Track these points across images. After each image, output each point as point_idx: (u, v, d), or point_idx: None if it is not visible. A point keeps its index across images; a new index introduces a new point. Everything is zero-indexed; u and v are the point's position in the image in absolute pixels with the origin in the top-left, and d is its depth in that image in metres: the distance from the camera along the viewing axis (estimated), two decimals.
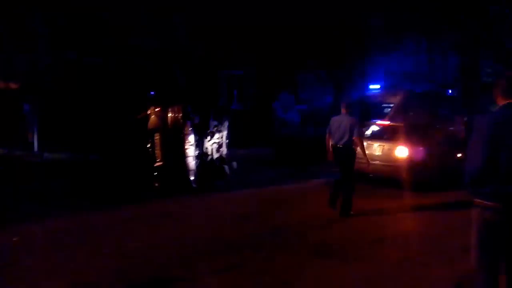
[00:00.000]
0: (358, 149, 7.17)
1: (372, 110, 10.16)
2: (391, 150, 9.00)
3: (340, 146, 7.04)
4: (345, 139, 6.98)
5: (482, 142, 2.97)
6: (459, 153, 9.13)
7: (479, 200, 3.07)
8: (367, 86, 11.68)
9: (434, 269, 4.82)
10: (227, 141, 10.25)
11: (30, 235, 6.04)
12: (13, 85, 12.39)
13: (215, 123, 9.76)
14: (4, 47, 11.31)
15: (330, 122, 7.25)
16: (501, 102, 3.10)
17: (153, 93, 9.54)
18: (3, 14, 10.69)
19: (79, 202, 7.79)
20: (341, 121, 7.07)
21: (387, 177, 8.97)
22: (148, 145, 9.09)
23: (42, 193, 8.20)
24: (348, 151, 7.05)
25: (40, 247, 5.57)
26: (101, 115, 10.51)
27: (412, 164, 8.71)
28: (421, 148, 9.02)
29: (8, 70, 11.85)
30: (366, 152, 8.00)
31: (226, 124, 10.16)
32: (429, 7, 15.17)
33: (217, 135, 9.88)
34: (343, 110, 7.19)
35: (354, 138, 6.97)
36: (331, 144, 7.21)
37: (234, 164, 10.39)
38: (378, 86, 11.13)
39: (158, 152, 9.02)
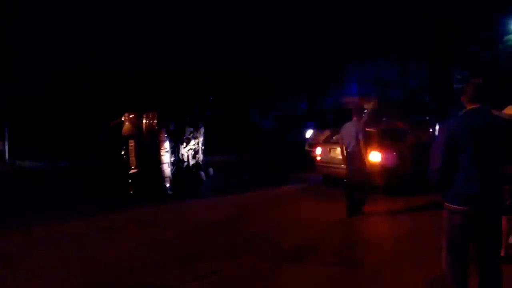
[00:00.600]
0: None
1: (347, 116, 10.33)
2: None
3: (349, 150, 7.35)
4: (353, 144, 7.28)
5: (443, 144, 3.09)
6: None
7: (447, 203, 3.17)
8: (342, 93, 11.86)
9: (406, 272, 4.87)
10: (203, 147, 10.24)
11: (1, 244, 5.90)
12: None
13: (191, 129, 9.74)
14: None
15: (341, 128, 7.58)
16: (469, 107, 3.21)
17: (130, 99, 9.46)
18: None
19: (53, 210, 7.64)
20: (350, 127, 7.39)
21: (360, 182, 9.08)
22: (123, 152, 9.00)
23: (14, 201, 8.01)
24: (356, 155, 7.30)
25: (13, 256, 5.44)
26: (74, 122, 10.37)
27: (384, 169, 8.88)
28: (392, 153, 9.21)
29: None
30: (339, 157, 8.10)
31: (202, 130, 10.15)
32: (399, 19, 15.54)
33: (193, 142, 9.86)
34: (353, 117, 7.50)
35: (360, 142, 7.24)
36: (344, 149, 7.52)
37: (211, 170, 10.38)
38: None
39: (133, 159, 8.93)
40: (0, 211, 7.54)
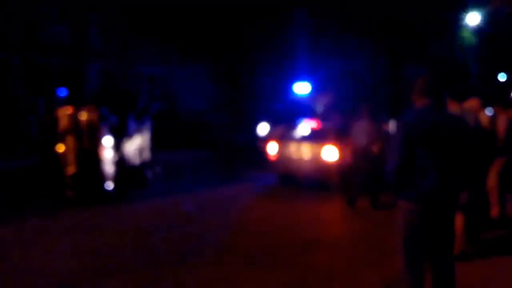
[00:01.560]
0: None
1: (302, 112, 10.06)
2: (319, 152, 8.87)
3: (362, 149, 7.47)
4: (365, 142, 7.44)
5: (398, 143, 3.08)
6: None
7: (401, 202, 3.16)
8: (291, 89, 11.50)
9: (362, 273, 4.68)
10: (150, 144, 9.60)
11: None
12: None
13: (136, 125, 9.07)
14: None
15: (353, 126, 7.66)
16: (418, 103, 3.17)
17: (64, 93, 8.64)
18: None
19: None
20: (361, 125, 7.53)
21: (316, 179, 8.83)
22: (59, 150, 8.21)
23: None
24: (368, 154, 7.44)
25: None
26: (3, 117, 9.40)
27: (340, 166, 8.63)
28: (349, 150, 8.97)
29: None
30: (295, 154, 7.76)
31: (148, 126, 9.51)
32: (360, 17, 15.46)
33: (138, 138, 9.19)
34: (364, 115, 7.57)
35: (371, 141, 7.43)
36: (355, 147, 7.60)
37: (158, 169, 9.76)
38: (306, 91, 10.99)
39: (71, 158, 8.17)
40: None
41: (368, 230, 6.41)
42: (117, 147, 8.59)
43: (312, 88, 10.89)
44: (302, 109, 10.24)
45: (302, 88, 10.83)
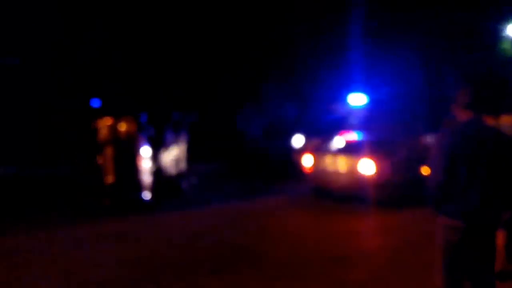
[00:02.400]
0: None
1: (337, 123, 9.93)
2: (353, 165, 8.72)
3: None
4: None
5: (441, 157, 2.99)
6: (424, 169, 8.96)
7: (442, 219, 3.05)
8: (339, 98, 11.09)
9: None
10: (186, 155, 9.75)
11: None
12: None
13: (172, 136, 9.25)
14: None
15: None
16: (461, 116, 3.07)
17: (98, 103, 8.94)
18: None
19: (27, 220, 7.16)
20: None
21: (352, 192, 8.68)
22: (99, 160, 8.47)
23: None
24: None
25: None
26: (48, 129, 9.81)
27: (377, 180, 8.45)
28: (387, 164, 8.77)
29: None
30: (330, 166, 7.65)
31: (185, 136, 9.68)
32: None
33: (174, 149, 9.36)
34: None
35: None
36: None
37: (193, 179, 9.89)
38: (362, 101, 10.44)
39: (110, 167, 8.41)
40: None
41: (404, 245, 6.21)
42: (155, 157, 8.78)
43: (370, 99, 10.28)
44: (339, 121, 10.03)
45: (357, 99, 10.30)
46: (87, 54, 10.21)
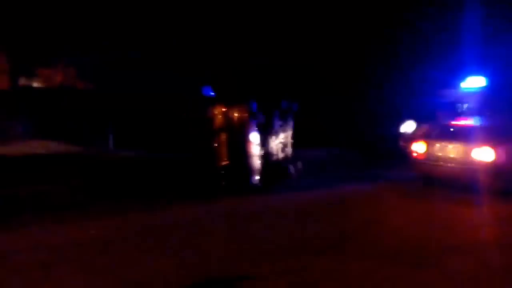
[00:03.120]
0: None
1: (446, 108, 9.56)
2: (468, 152, 8.38)
3: None
4: None
5: None
6: None
7: None
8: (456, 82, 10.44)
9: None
10: (292, 141, 10.14)
11: (108, 230, 6.28)
12: (88, 85, 13.21)
13: (280, 122, 9.68)
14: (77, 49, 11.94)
15: None
16: None
17: (212, 93, 9.62)
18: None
19: (150, 199, 8.06)
20: None
21: (463, 181, 8.38)
22: (215, 145, 9.20)
23: (118, 189, 8.56)
24: None
25: (117, 242, 5.77)
26: (170, 115, 10.85)
27: (492, 168, 8.04)
28: (504, 151, 8.28)
29: (82, 70, 12.67)
30: (440, 154, 7.44)
31: (291, 123, 10.06)
32: None
33: (282, 135, 9.80)
34: None
35: None
36: None
37: (299, 164, 10.24)
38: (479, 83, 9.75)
39: (224, 151, 9.10)
40: (101, 198, 8.02)
41: None
42: (263, 142, 9.29)
43: (489, 82, 9.57)
44: (448, 106, 9.58)
45: (475, 82, 9.66)
46: (203, 46, 10.97)
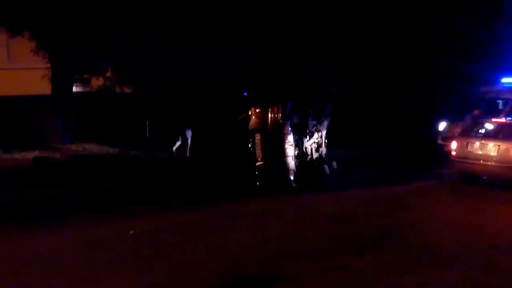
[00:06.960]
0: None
1: (486, 107, 9.35)
2: (508, 150, 8.18)
3: None
4: None
5: None
6: None
7: None
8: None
9: None
10: (326, 141, 10.14)
11: (145, 230, 6.45)
12: (127, 89, 13.65)
13: (314, 122, 9.71)
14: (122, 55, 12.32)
15: None
16: None
17: (245, 94, 9.75)
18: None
19: (187, 198, 8.25)
20: None
21: (503, 179, 8.19)
22: (250, 145, 9.31)
23: (153, 190, 8.83)
24: None
25: (154, 240, 5.94)
26: (205, 117, 11.10)
27: None
28: None
29: (122, 75, 13.11)
30: (479, 152, 7.31)
31: (325, 123, 10.05)
32: None
33: (316, 135, 9.82)
34: None
35: None
36: None
37: (334, 164, 10.22)
38: None
39: (259, 151, 9.19)
40: (135, 199, 8.27)
41: None
42: (298, 142, 9.34)
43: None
44: (488, 104, 9.37)
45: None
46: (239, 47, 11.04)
